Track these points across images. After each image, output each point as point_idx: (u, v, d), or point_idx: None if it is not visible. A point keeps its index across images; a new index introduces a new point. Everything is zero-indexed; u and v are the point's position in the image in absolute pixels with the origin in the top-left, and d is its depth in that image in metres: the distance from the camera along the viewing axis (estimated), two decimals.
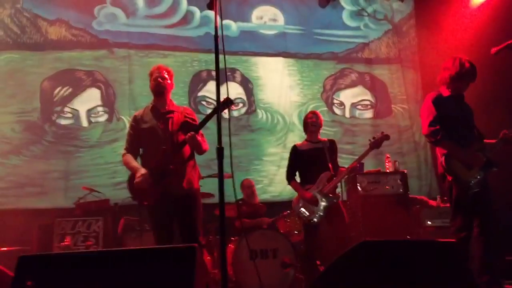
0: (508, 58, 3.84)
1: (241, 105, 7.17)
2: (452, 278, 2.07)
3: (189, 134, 3.48)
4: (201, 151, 3.67)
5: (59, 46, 6.73)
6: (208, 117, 3.45)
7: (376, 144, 4.58)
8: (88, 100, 6.71)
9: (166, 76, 3.73)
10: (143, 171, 3.54)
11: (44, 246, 5.12)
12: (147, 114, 3.74)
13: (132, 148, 3.75)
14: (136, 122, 3.75)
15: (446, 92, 3.88)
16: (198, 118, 3.80)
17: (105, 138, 6.59)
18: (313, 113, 4.82)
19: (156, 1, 7.21)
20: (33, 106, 6.48)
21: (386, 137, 4.61)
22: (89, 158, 6.48)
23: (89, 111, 6.68)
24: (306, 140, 4.85)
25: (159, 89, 3.70)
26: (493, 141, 3.80)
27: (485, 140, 3.82)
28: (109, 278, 1.91)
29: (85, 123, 6.64)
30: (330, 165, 4.66)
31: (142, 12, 7.14)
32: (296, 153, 4.77)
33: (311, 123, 4.75)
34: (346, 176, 4.89)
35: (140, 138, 3.73)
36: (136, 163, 3.66)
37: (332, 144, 4.80)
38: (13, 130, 6.35)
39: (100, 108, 6.74)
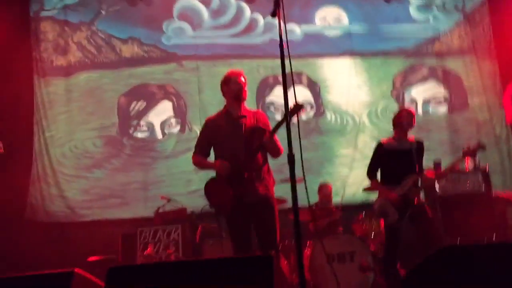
0: None
1: (309, 108, 7.14)
2: None
3: (266, 135, 3.51)
4: (277, 154, 3.66)
5: (132, 63, 7.07)
6: (279, 124, 3.45)
7: (470, 153, 4.33)
8: (162, 112, 6.99)
9: (245, 82, 3.75)
10: (220, 162, 3.59)
11: (129, 255, 5.37)
12: (220, 119, 3.77)
13: (202, 151, 3.80)
14: (208, 126, 3.79)
15: None
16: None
17: (179, 148, 6.81)
18: (409, 113, 4.55)
19: (220, 12, 7.37)
20: (112, 121, 6.84)
21: (482, 147, 4.32)
22: (165, 168, 6.74)
23: (163, 123, 6.95)
24: (393, 138, 4.59)
25: (242, 96, 3.70)
26: None
27: None
28: (190, 286, 1.97)
29: (159, 135, 6.92)
30: (416, 168, 4.46)
31: (208, 24, 7.32)
32: (381, 151, 4.53)
33: (407, 123, 4.49)
34: (434, 182, 4.67)
35: (212, 143, 3.77)
36: (208, 161, 3.76)
37: (420, 145, 4.56)
38: (95, 145, 6.73)
39: (173, 120, 6.99)
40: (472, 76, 7.45)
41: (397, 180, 4.40)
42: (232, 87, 3.71)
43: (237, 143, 3.60)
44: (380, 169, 4.57)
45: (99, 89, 6.94)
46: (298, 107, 3.32)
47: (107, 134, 6.79)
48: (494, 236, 4.91)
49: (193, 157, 3.81)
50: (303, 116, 7.01)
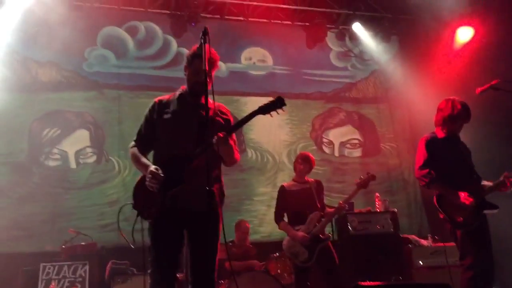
0: (492, 97, 3.90)
1: None
2: None
3: (219, 134, 2.72)
4: (231, 160, 2.96)
5: (49, 88, 6.75)
6: (248, 117, 2.86)
7: (362, 184, 4.64)
8: (77, 141, 6.67)
9: (212, 68, 2.91)
10: (153, 167, 2.78)
11: None
12: (173, 103, 3.00)
13: (144, 140, 3.01)
14: (156, 108, 2.99)
15: (440, 134, 3.83)
16: None
17: (93, 180, 6.52)
18: (304, 159, 4.82)
19: (146, 43, 7.31)
20: (20, 147, 6.41)
21: (372, 177, 4.67)
22: (76, 200, 6.38)
23: (77, 152, 6.63)
24: (293, 180, 4.89)
25: (197, 88, 2.89)
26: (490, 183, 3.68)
27: (484, 182, 3.73)
28: None
29: (73, 164, 6.58)
30: (318, 205, 4.65)
31: (132, 54, 7.22)
32: (284, 194, 4.78)
33: (309, 167, 4.79)
34: (335, 216, 4.88)
35: (157, 130, 2.96)
36: (146, 160, 2.94)
37: (319, 184, 4.86)
38: None
39: (89, 149, 6.69)
40: (385, 122, 7.93)
41: (302, 219, 4.60)
42: (190, 77, 2.96)
43: (187, 132, 2.85)
44: (286, 211, 4.77)
45: (9, 112, 6.50)
46: (280, 102, 2.82)
47: (13, 160, 6.33)
48: (401, 277, 5.12)
49: (131, 147, 3.04)
50: None
